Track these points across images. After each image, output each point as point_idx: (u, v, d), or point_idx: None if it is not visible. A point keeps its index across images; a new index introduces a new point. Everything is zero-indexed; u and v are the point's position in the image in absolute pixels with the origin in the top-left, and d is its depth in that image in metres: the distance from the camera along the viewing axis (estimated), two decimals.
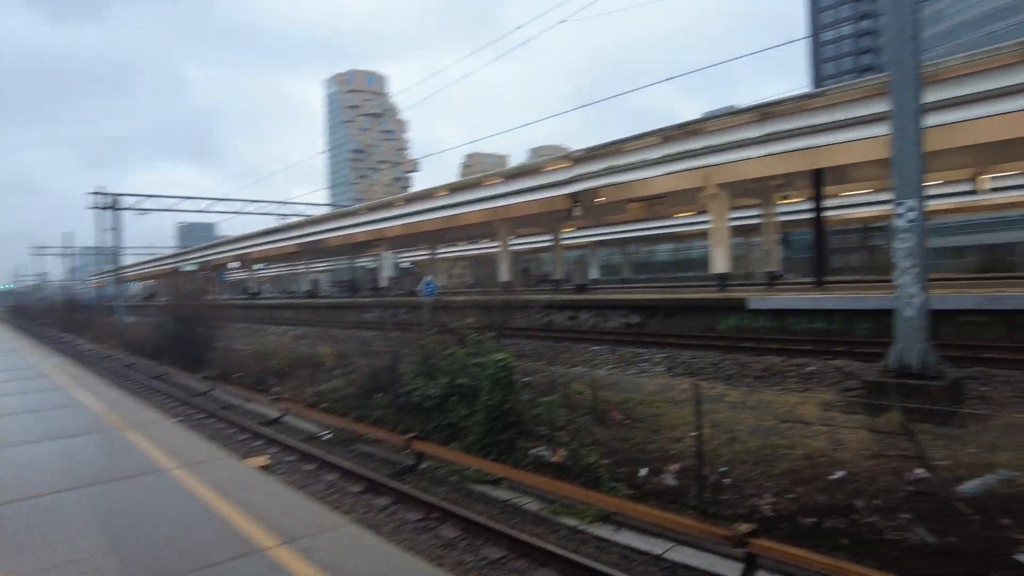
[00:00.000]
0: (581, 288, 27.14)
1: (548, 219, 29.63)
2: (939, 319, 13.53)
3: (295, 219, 47.73)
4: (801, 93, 18.14)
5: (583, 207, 24.01)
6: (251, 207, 50.13)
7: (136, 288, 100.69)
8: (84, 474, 6.63)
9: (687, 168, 19.67)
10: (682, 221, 38.27)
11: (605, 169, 21.53)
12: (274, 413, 15.15)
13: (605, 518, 8.15)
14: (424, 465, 10.60)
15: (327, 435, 13.33)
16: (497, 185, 26.20)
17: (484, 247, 55.59)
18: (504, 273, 29.50)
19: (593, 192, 23.75)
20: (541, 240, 48.49)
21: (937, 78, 15.48)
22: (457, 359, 11.75)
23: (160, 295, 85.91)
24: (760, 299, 16.69)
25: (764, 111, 18.12)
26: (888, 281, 25.55)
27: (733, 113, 18.88)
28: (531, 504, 8.92)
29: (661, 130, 20.16)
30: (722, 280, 21.31)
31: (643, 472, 8.55)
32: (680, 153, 19.56)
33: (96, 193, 44.75)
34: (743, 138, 18.35)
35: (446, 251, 54.00)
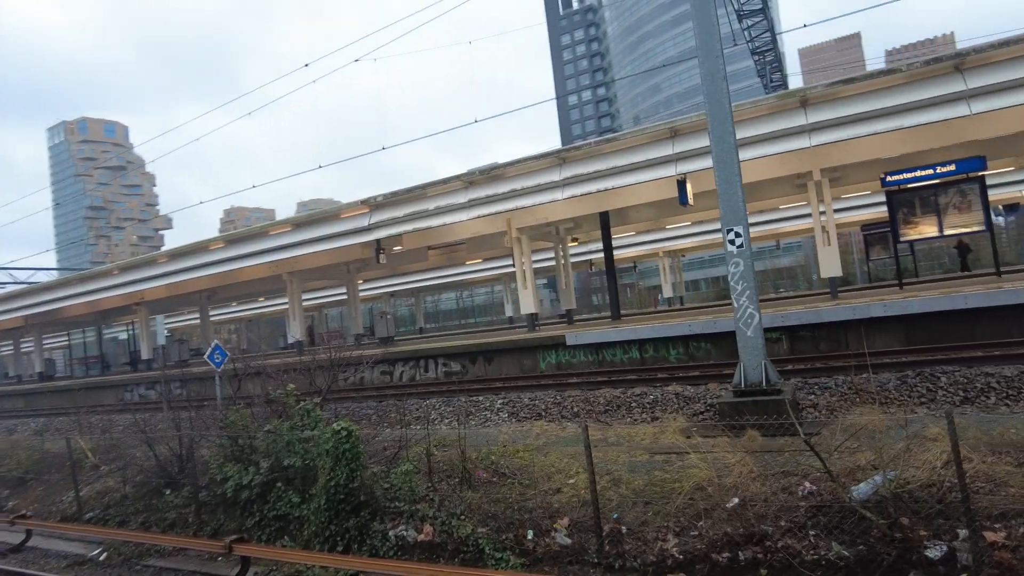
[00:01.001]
0: (386, 340, 25.67)
1: (344, 270, 27.78)
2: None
3: (15, 287, 39.06)
4: (596, 139, 19.23)
5: (386, 255, 22.83)
6: None
7: None
8: None
9: (492, 212, 19.66)
10: (479, 267, 38.75)
11: (410, 215, 20.68)
12: (13, 538, 11.41)
13: None
14: (252, 573, 8.49)
15: (100, 554, 10.28)
16: (285, 234, 23.85)
17: (261, 306, 51.01)
18: (296, 331, 26.80)
19: (395, 239, 22.75)
20: (327, 294, 45.86)
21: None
22: (279, 436, 9.80)
23: None
24: (577, 335, 16.96)
25: (562, 155, 18.87)
26: (663, 312, 28.56)
27: (535, 157, 19.36)
28: None
29: (465, 174, 19.98)
30: (532, 320, 21.52)
31: (530, 535, 7.62)
32: (488, 197, 19.50)
33: None
34: (545, 182, 18.88)
35: (218, 313, 48.33)
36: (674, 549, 6.74)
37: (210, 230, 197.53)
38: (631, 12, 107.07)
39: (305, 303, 46.55)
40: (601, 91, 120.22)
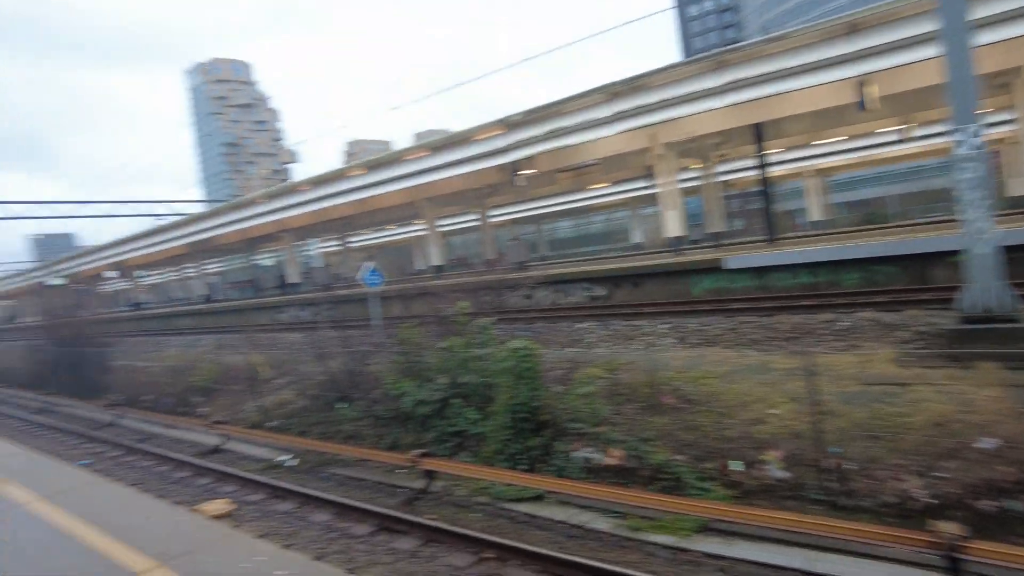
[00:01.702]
0: (520, 266, 25.52)
1: (475, 195, 27.65)
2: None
3: (176, 218, 42.62)
4: (759, 39, 17.28)
5: (520, 178, 22.27)
6: (123, 208, 44.43)
7: None
8: None
9: (639, 126, 18.41)
10: (606, 191, 37.47)
11: (549, 133, 19.87)
12: (211, 440, 12.45)
13: (704, 529, 6.63)
14: (436, 487, 8.61)
15: (289, 460, 10.93)
16: (422, 159, 23.85)
17: (390, 234, 52.47)
18: (434, 257, 27.22)
19: (528, 162, 22.08)
20: (452, 223, 46.43)
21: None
22: (454, 353, 9.75)
23: (23, 316, 75.39)
24: (737, 258, 15.77)
25: (719, 59, 17.12)
26: (825, 235, 25.95)
27: (685, 63, 17.78)
28: (597, 522, 7.22)
29: (607, 85, 18.74)
30: (678, 243, 20.40)
31: (736, 466, 7.06)
32: (635, 109, 18.24)
33: None
34: (699, 89, 17.32)
35: (356, 240, 50.32)
36: (919, 492, 5.94)
37: (332, 165, 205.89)
38: None
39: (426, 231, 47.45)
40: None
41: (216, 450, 12.00)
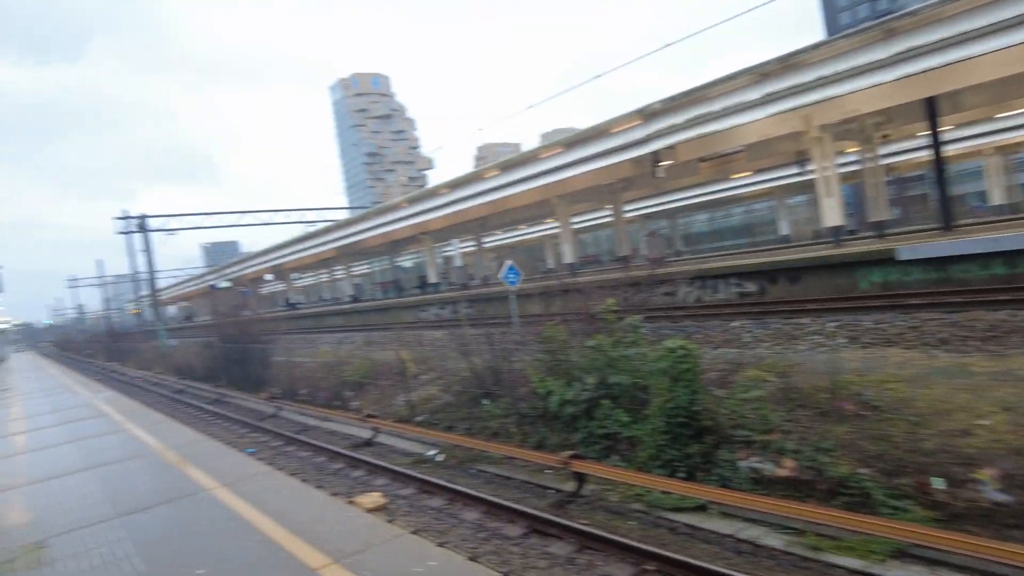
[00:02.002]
0: (657, 262, 24.61)
1: (609, 190, 27.05)
2: None
3: (323, 224, 45.82)
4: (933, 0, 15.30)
5: (658, 170, 21.41)
6: (278, 216, 48.42)
7: (172, 311, 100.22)
8: None
9: (793, 107, 16.98)
10: (749, 180, 35.40)
11: (692, 120, 18.89)
12: (364, 432, 12.97)
13: (900, 554, 5.78)
14: (587, 491, 8.28)
15: (437, 455, 11.10)
16: (556, 156, 23.67)
17: (519, 234, 53.00)
18: (567, 255, 26.99)
19: (667, 152, 21.16)
20: (582, 220, 45.99)
21: None
22: (602, 353, 9.38)
23: (197, 316, 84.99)
24: (914, 247, 14.05)
25: (888, 27, 15.34)
26: (1017, 219, 22.40)
27: (845, 36, 16.14)
28: (768, 538, 6.54)
29: (756, 67, 17.47)
30: (836, 234, 18.65)
31: (939, 484, 6.10)
32: (788, 90, 16.86)
33: (122, 218, 43.10)
34: (863, 63, 15.64)
35: (489, 240, 51.37)
36: None
37: (465, 169, 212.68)
38: None
39: (556, 229, 47.43)
40: None
41: (368, 443, 12.47)
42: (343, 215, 51.24)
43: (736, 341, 11.99)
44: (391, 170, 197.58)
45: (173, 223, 44.42)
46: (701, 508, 7.31)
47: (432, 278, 32.79)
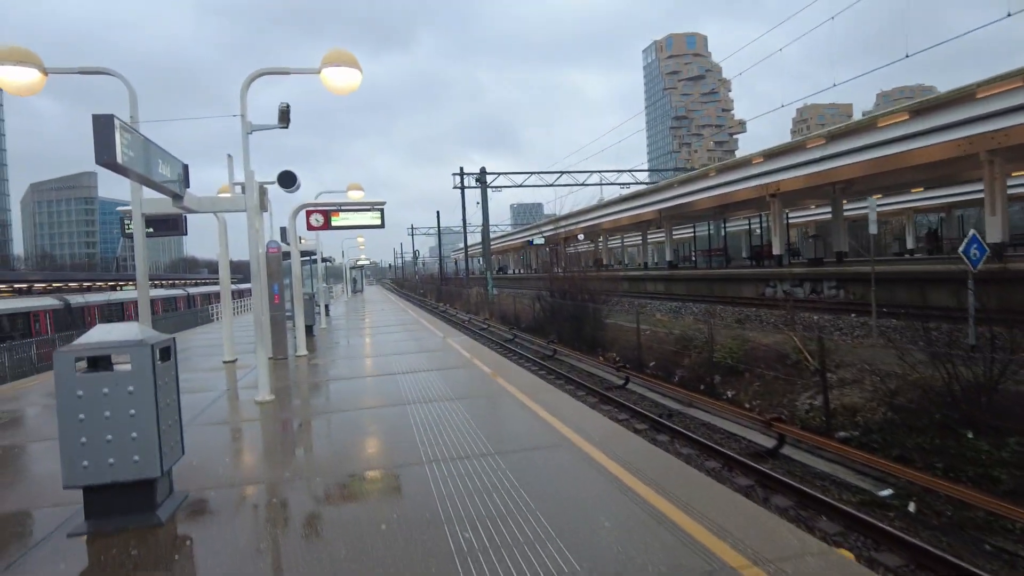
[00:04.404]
0: None
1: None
2: None
3: (647, 187, 43.50)
4: None
5: None
6: (591, 178, 47.70)
7: (480, 263, 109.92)
8: None
9: None
10: None
11: None
12: (759, 438, 10.00)
13: None
14: None
15: (895, 498, 7.62)
16: (1000, 96, 17.25)
17: (901, 200, 42.67)
18: (998, 231, 19.72)
19: None
20: (910, 198, 35.72)
21: None
22: None
23: (508, 268, 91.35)
24: None
25: None
26: None
27: None
28: None
29: None
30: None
31: None
32: None
33: (460, 174, 46.33)
34: None
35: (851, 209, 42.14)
36: None
37: (781, 135, 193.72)
38: None
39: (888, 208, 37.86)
40: None
41: (772, 453, 9.47)
42: (642, 182, 48.52)
43: None
44: (698, 135, 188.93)
45: (499, 181, 46.60)
46: None
47: (777, 248, 28.11)
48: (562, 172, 48.17)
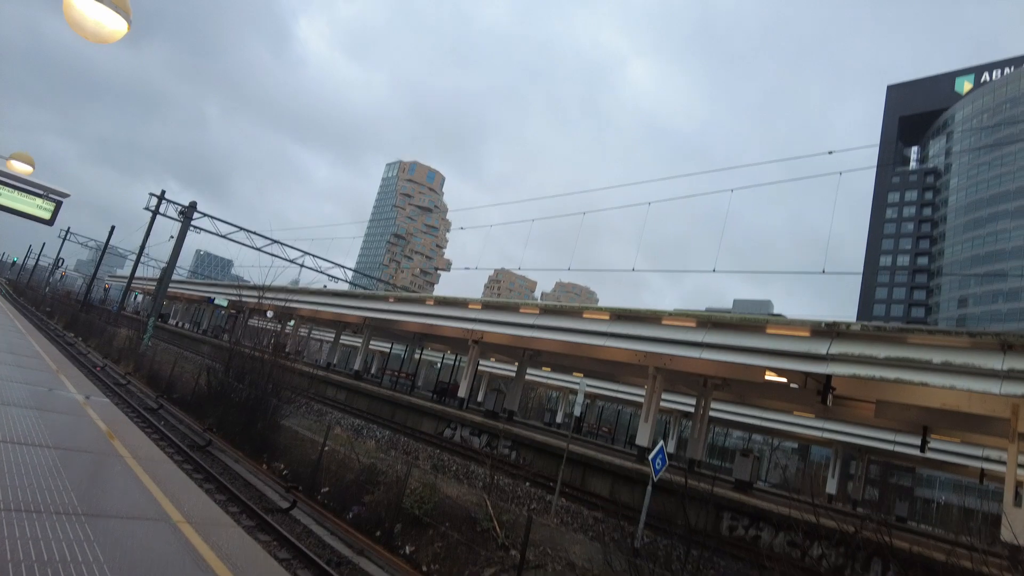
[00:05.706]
0: None
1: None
2: None
3: (360, 290, 42.36)
4: None
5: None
6: (289, 253, 45.24)
7: (139, 300, 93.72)
8: None
9: None
10: None
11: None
12: None
13: None
14: None
15: None
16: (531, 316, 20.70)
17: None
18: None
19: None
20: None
21: None
22: None
23: (173, 320, 79.12)
24: None
25: None
26: None
27: None
28: None
29: None
30: None
31: None
32: None
33: (160, 197, 39.71)
34: None
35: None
36: None
37: (475, 288, 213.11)
38: (982, 187, 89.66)
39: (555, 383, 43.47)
40: (921, 261, 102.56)
41: None
42: (349, 280, 47.89)
43: None
44: (410, 257, 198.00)
45: (204, 222, 41.11)
46: None
47: (462, 391, 28.79)
48: (275, 241, 44.77)
